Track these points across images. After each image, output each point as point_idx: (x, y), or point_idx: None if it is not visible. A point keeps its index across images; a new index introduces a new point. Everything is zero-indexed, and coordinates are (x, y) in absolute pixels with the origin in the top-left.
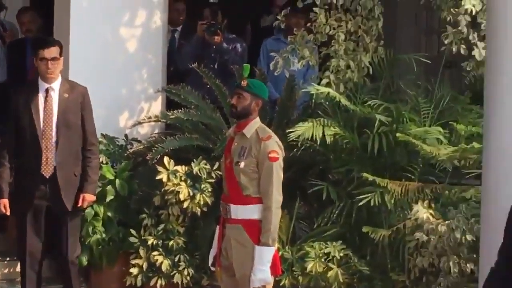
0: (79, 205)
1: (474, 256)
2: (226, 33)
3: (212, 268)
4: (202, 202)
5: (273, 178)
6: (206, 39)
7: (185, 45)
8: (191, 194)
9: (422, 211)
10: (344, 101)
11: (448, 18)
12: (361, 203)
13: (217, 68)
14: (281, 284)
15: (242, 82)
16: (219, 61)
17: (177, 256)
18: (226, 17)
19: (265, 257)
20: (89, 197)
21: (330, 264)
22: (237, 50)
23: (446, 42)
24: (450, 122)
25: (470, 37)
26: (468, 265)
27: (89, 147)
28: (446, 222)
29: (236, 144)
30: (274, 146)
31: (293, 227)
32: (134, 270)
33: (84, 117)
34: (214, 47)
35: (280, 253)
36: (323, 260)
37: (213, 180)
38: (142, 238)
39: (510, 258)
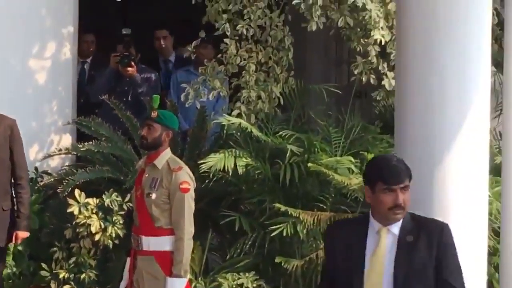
0: (13, 243)
1: None
2: (140, 64)
3: None
4: (114, 235)
5: (184, 209)
6: (119, 71)
7: (98, 77)
8: (103, 226)
9: None
10: (255, 131)
11: (358, 49)
12: (273, 234)
13: (130, 100)
14: None
15: (152, 113)
16: (133, 93)
17: None
18: (139, 48)
19: None
20: (22, 234)
21: None
22: (150, 81)
23: (356, 72)
24: (361, 152)
25: (380, 67)
26: None
27: (18, 181)
28: None
29: (147, 175)
30: (185, 177)
31: (205, 258)
32: None
33: (13, 150)
34: (128, 79)
35: (193, 285)
36: None
37: (124, 212)
38: (54, 271)
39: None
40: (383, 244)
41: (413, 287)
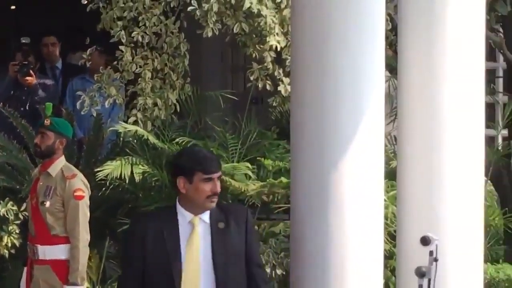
0: None
1: None
2: (38, 73)
3: None
4: (9, 244)
5: (79, 216)
6: (18, 80)
7: None
8: None
9: None
10: (152, 139)
11: (254, 55)
12: None
13: (28, 109)
14: None
15: (45, 121)
16: (31, 101)
17: None
18: (38, 57)
19: None
20: None
21: None
22: (49, 89)
23: (252, 78)
24: (257, 158)
25: (276, 73)
26: None
27: None
28: None
29: (41, 183)
30: (80, 184)
31: (103, 266)
32: None
33: None
34: (26, 88)
35: None
36: None
37: (20, 221)
38: None
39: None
40: (197, 233)
41: (231, 271)
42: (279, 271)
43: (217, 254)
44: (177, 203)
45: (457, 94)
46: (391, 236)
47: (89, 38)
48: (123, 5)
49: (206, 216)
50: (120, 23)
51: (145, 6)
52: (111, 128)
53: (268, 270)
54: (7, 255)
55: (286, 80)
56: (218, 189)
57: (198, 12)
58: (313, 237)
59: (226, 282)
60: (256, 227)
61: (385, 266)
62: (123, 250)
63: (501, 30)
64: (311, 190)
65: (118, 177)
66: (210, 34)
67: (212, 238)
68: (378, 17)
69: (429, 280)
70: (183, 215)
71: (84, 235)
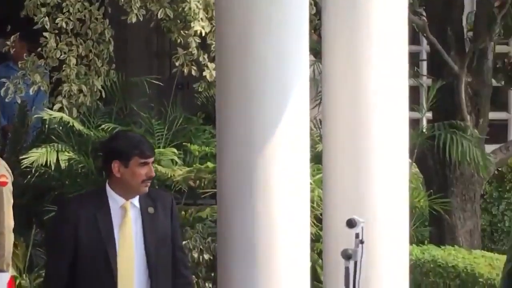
0: None
1: (212, 274)
2: None
3: None
4: None
5: (3, 203)
6: None
7: None
8: None
9: None
10: (77, 125)
11: (179, 40)
12: None
13: None
14: None
15: None
16: None
17: None
18: None
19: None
20: None
21: None
22: None
23: (177, 64)
24: (184, 143)
25: (201, 59)
26: (206, 284)
27: None
28: (184, 242)
29: None
30: (2, 170)
31: (29, 254)
32: None
33: None
34: None
35: (18, 281)
36: None
37: None
38: None
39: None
40: (129, 218)
41: (162, 254)
42: (206, 256)
43: (149, 238)
44: (108, 187)
45: (381, 77)
46: (318, 219)
47: (13, 25)
48: None
49: (136, 201)
50: (43, 9)
51: None
52: (36, 115)
53: (195, 255)
54: None
55: (211, 65)
56: (153, 173)
57: None
58: (240, 222)
59: (157, 266)
60: (183, 213)
61: (312, 249)
62: (51, 237)
63: (424, 13)
64: (237, 175)
65: (43, 164)
66: (134, 20)
67: (143, 223)
68: (302, 1)
69: (356, 262)
70: (115, 200)
71: (8, 221)
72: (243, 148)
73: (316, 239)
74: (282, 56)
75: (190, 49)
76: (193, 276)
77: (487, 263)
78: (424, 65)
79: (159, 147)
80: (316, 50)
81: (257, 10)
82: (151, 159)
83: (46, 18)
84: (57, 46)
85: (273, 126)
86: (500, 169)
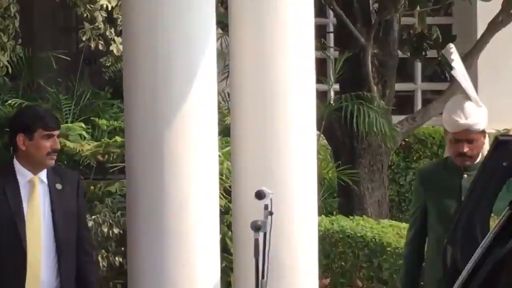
0: None
1: (122, 249)
2: None
3: None
4: None
5: None
6: None
7: None
8: None
9: None
10: None
11: (85, 15)
12: None
13: None
14: None
15: None
16: None
17: None
18: None
19: None
20: None
21: None
22: None
23: (84, 38)
24: (92, 118)
25: (107, 33)
26: (117, 258)
27: None
28: (93, 217)
29: None
30: None
31: None
32: None
33: None
34: None
35: None
36: None
37: None
38: None
39: None
40: (37, 192)
41: (68, 230)
42: (116, 230)
43: (57, 213)
44: (15, 162)
45: (287, 49)
46: (227, 192)
47: None
48: None
49: (44, 176)
50: None
51: None
52: None
53: (105, 229)
54: None
55: (118, 39)
56: (58, 146)
57: None
58: (149, 196)
59: (64, 242)
60: (92, 187)
61: (222, 222)
62: None
63: None
64: (146, 149)
65: None
66: None
67: (51, 198)
68: None
69: (265, 234)
70: (22, 174)
71: None
72: (151, 122)
73: (225, 211)
74: (189, 29)
75: (96, 24)
76: (103, 250)
77: (395, 232)
78: (331, 38)
79: (67, 122)
80: (223, 23)
81: None
82: (56, 132)
83: None
84: None
85: (181, 99)
86: (407, 139)
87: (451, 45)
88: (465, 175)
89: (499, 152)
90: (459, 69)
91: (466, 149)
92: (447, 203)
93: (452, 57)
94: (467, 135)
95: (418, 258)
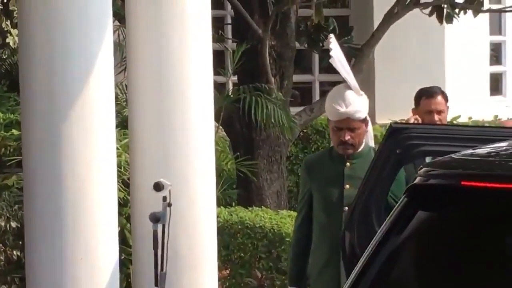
0: None
1: (20, 243)
2: None
3: None
4: None
5: None
6: None
7: None
8: None
9: None
10: None
11: None
12: None
13: None
14: None
15: None
16: None
17: None
18: None
19: None
20: None
21: None
22: None
23: None
24: None
25: (4, 25)
26: (14, 252)
27: None
28: None
29: None
30: None
31: None
32: None
33: None
34: None
35: None
36: None
37: None
38: None
39: None
40: None
41: None
42: (13, 224)
43: None
44: None
45: (185, 41)
46: (125, 184)
47: None
48: None
49: None
50: None
51: None
52: None
53: (2, 223)
54: None
55: (15, 31)
56: None
57: None
58: (46, 189)
59: None
60: None
61: (120, 214)
62: None
63: None
64: (43, 142)
65: None
66: None
67: None
68: None
69: (164, 226)
70: None
71: None
72: (48, 115)
73: (124, 204)
74: (86, 20)
75: None
76: (0, 244)
77: (293, 222)
78: (229, 29)
79: None
80: (120, 15)
81: None
82: None
83: None
84: None
85: (78, 92)
86: (305, 130)
87: (331, 35)
88: (348, 163)
89: (393, 139)
90: (337, 58)
91: (347, 137)
92: (329, 191)
93: (331, 46)
94: (348, 124)
95: (306, 243)
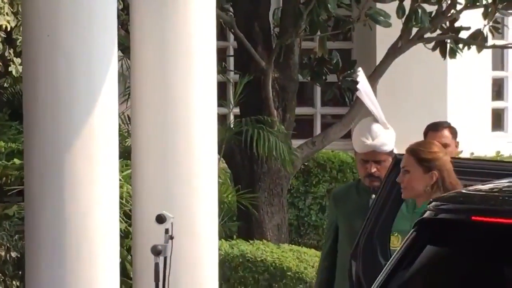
0: None
1: (20, 272)
2: None
3: None
4: None
5: None
6: None
7: None
8: None
9: None
10: None
11: None
12: None
13: None
14: None
15: None
16: None
17: None
18: None
19: None
20: None
21: None
22: None
23: None
24: None
25: (6, 54)
26: (14, 282)
27: None
28: None
29: None
30: None
31: None
32: None
33: None
34: None
35: None
36: None
37: None
38: None
39: None
40: None
41: None
42: (13, 254)
43: None
44: None
45: (189, 73)
46: (127, 215)
47: None
48: None
49: None
50: None
51: None
52: None
53: (2, 253)
54: None
55: (17, 60)
56: None
57: None
58: (48, 219)
59: None
60: None
61: (121, 245)
62: None
63: (231, 9)
64: (45, 172)
65: None
66: None
67: None
68: None
69: (165, 258)
70: None
71: None
72: (50, 144)
73: (125, 235)
74: (90, 51)
75: None
76: (0, 274)
77: (295, 256)
78: (232, 61)
79: None
80: (124, 45)
81: (64, 6)
82: None
83: None
84: None
85: (81, 122)
86: (306, 163)
87: (360, 68)
88: (373, 196)
89: (397, 170)
90: (364, 91)
91: (373, 170)
92: (354, 223)
93: (358, 79)
94: (374, 156)
95: (330, 273)
